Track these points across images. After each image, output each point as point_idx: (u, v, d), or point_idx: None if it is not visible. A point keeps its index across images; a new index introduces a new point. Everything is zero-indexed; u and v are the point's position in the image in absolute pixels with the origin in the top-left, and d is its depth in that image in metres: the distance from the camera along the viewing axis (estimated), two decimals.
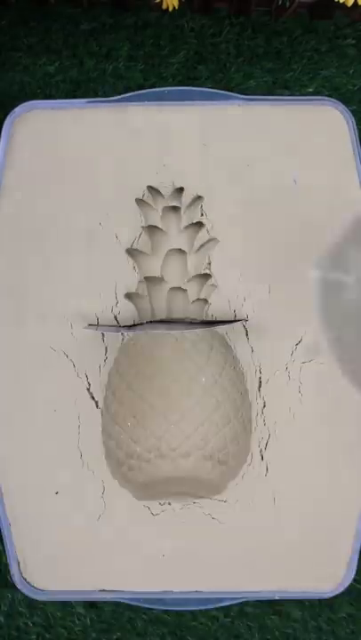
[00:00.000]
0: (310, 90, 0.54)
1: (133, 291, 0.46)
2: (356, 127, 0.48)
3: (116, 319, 0.46)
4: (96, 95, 0.53)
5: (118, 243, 0.47)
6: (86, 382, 0.45)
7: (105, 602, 0.47)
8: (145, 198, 0.47)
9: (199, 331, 0.43)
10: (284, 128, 0.48)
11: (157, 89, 0.49)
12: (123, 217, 0.47)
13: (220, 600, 0.44)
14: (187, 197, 0.47)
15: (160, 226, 0.45)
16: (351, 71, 0.54)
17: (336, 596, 0.45)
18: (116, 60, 0.54)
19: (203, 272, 0.45)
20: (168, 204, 0.45)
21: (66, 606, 0.47)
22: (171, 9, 0.50)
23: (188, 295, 0.44)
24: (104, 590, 0.44)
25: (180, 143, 0.48)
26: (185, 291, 0.44)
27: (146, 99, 0.49)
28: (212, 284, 0.46)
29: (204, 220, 0.47)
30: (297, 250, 0.46)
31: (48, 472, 0.45)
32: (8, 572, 0.44)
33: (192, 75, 0.54)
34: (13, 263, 0.46)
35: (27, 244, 0.47)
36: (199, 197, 0.47)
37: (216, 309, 0.46)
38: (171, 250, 0.44)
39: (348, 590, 0.45)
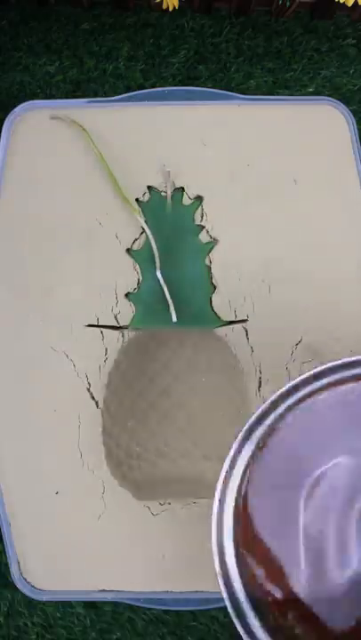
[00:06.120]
0: (310, 90, 0.53)
1: (133, 291, 0.46)
2: (356, 127, 0.48)
3: (116, 319, 0.46)
4: (96, 95, 0.53)
5: (118, 243, 0.47)
6: (86, 382, 0.45)
7: (105, 602, 0.47)
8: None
9: (199, 330, 0.43)
10: (284, 128, 0.48)
11: (157, 89, 0.49)
12: (123, 217, 0.47)
13: (221, 600, 0.44)
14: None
15: None
16: (351, 71, 0.54)
17: None
18: (116, 59, 0.54)
19: None
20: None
21: (66, 606, 0.47)
22: (171, 9, 0.50)
23: None
24: (104, 590, 0.44)
25: (180, 143, 0.48)
26: None
27: (146, 99, 0.49)
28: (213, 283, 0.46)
29: (204, 221, 0.47)
30: (297, 249, 0.46)
31: (48, 472, 0.45)
32: (8, 571, 0.44)
33: (192, 75, 0.54)
34: (13, 263, 0.46)
35: (27, 243, 0.47)
36: (199, 197, 0.47)
37: (216, 309, 0.46)
38: None
39: None
